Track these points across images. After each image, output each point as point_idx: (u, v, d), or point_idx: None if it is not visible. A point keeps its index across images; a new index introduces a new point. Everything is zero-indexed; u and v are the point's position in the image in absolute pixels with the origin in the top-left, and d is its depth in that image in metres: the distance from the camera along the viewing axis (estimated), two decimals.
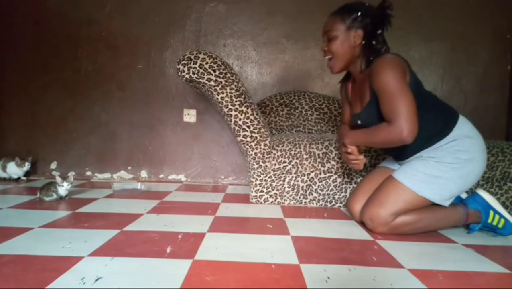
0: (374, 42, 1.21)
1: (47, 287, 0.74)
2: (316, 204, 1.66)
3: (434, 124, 1.20)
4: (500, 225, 1.24)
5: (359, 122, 1.31)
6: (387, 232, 1.20)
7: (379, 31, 1.22)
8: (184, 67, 1.52)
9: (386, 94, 1.12)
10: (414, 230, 1.22)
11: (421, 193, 1.17)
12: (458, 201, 1.35)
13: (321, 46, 1.31)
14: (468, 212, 1.24)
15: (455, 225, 1.26)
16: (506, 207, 1.63)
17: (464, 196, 1.36)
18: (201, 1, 2.20)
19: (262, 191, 1.66)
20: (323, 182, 1.64)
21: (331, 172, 1.63)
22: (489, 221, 1.24)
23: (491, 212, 1.24)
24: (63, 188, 1.55)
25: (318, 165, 1.64)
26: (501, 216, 1.24)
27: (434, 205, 1.26)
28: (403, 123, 1.10)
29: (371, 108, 1.23)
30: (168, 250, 0.98)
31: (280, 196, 1.66)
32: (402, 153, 1.29)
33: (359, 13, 1.21)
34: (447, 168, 1.17)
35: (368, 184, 1.36)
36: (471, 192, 1.32)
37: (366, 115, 1.26)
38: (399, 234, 1.21)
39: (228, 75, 1.55)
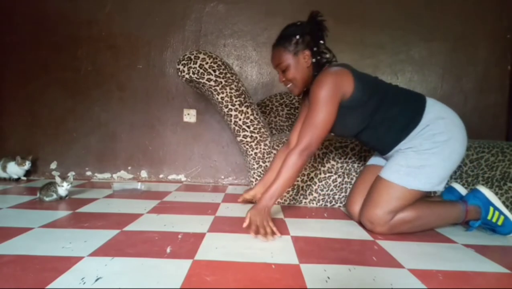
0: (320, 57, 1.26)
1: (47, 287, 0.74)
2: (316, 204, 1.66)
3: (402, 115, 1.21)
4: (499, 223, 1.24)
5: (332, 133, 1.33)
6: (387, 231, 1.20)
7: (322, 42, 1.27)
8: (184, 67, 1.52)
9: (310, 110, 1.19)
10: (413, 228, 1.22)
11: (410, 186, 1.17)
12: (457, 198, 1.35)
13: (278, 78, 1.32)
14: (468, 208, 1.24)
15: (454, 222, 1.26)
16: (506, 207, 1.63)
17: (464, 192, 1.36)
18: (201, 1, 2.20)
19: None
20: (323, 182, 1.64)
21: (331, 172, 1.63)
22: (489, 217, 1.24)
23: (491, 208, 1.24)
24: (63, 188, 1.55)
25: (318, 165, 1.64)
26: (501, 212, 1.24)
27: (432, 201, 1.26)
28: (300, 138, 1.17)
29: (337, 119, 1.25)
30: (168, 250, 0.98)
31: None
32: (381, 148, 1.31)
33: (297, 36, 1.24)
34: (428, 155, 1.18)
35: (362, 184, 1.37)
36: (472, 189, 1.32)
37: (335, 126, 1.28)
38: (399, 233, 1.21)
39: (228, 75, 1.55)
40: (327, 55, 1.29)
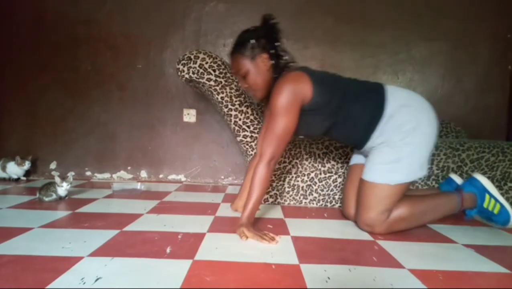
0: (278, 59, 1.26)
1: (47, 287, 0.74)
2: (316, 204, 1.66)
3: (365, 110, 1.21)
4: (495, 211, 1.24)
5: (300, 136, 1.35)
6: (386, 231, 1.20)
7: (277, 44, 1.26)
8: (184, 66, 1.51)
9: (270, 120, 1.18)
10: (411, 224, 1.22)
11: (394, 182, 1.17)
12: (453, 188, 1.35)
13: (240, 86, 1.31)
14: (463, 196, 1.25)
15: (451, 212, 1.27)
16: None
17: (460, 181, 1.36)
18: (201, 1, 2.20)
19: None
20: (323, 182, 1.64)
21: (331, 172, 1.63)
22: (485, 205, 1.25)
23: (487, 196, 1.25)
24: (63, 188, 1.55)
25: (318, 165, 1.64)
26: (497, 200, 1.25)
27: (426, 195, 1.26)
28: (264, 148, 1.17)
29: (300, 122, 1.24)
30: (168, 250, 0.98)
31: (280, 196, 1.66)
32: (353, 144, 1.32)
33: (252, 41, 1.23)
34: (401, 147, 1.17)
35: (351, 187, 1.38)
36: (468, 177, 1.32)
37: (300, 129, 1.27)
38: (399, 232, 1.21)
39: (228, 74, 1.55)
40: (286, 57, 1.28)
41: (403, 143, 1.17)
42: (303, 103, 1.18)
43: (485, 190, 1.25)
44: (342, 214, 1.48)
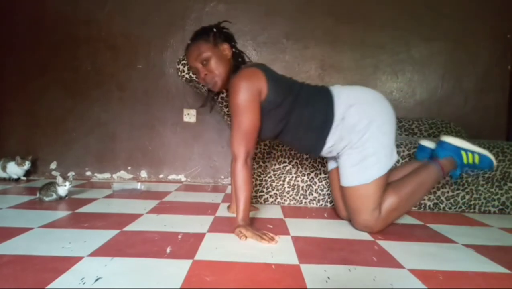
0: (238, 52, 1.27)
1: (47, 287, 0.74)
2: (316, 204, 1.66)
3: (316, 115, 1.21)
4: (476, 161, 1.26)
5: None
6: (384, 225, 1.20)
7: (233, 43, 1.28)
8: (184, 67, 1.51)
9: (232, 119, 1.18)
10: (405, 209, 1.23)
11: (370, 180, 1.17)
12: (427, 153, 1.36)
13: (200, 76, 1.25)
14: (441, 163, 1.25)
15: (436, 182, 1.28)
16: (506, 207, 1.63)
17: (432, 146, 1.37)
18: (201, 1, 2.20)
19: (262, 191, 1.66)
20: (323, 182, 1.64)
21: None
22: (465, 161, 1.26)
23: (463, 153, 1.26)
24: (63, 188, 1.55)
25: (318, 165, 1.64)
26: (473, 152, 1.26)
27: (406, 177, 1.26)
28: (236, 149, 1.17)
29: None
30: (168, 250, 0.98)
31: (280, 196, 1.66)
32: (307, 150, 1.31)
33: (214, 30, 1.25)
34: (362, 145, 1.18)
35: (337, 191, 1.39)
36: (438, 142, 1.31)
37: None
38: (399, 232, 1.21)
39: None
40: (240, 58, 1.29)
41: (363, 141, 1.17)
42: (260, 99, 1.17)
43: (458, 149, 1.26)
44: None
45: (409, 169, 1.36)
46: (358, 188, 1.18)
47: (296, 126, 1.23)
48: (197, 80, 1.52)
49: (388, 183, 1.24)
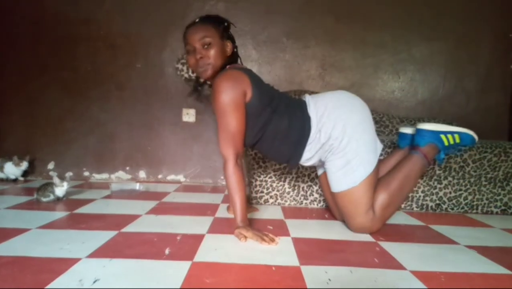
0: (235, 53, 1.29)
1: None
2: (317, 205, 1.65)
3: (293, 128, 1.20)
4: (457, 141, 1.27)
5: None
6: (380, 225, 1.20)
7: (235, 45, 1.29)
8: (183, 66, 1.51)
9: (217, 118, 1.17)
10: (398, 203, 1.23)
11: (357, 182, 1.16)
12: (409, 140, 1.37)
13: (194, 56, 1.21)
14: (423, 151, 1.26)
15: (423, 171, 1.28)
16: (509, 207, 1.63)
17: (411, 130, 1.37)
18: (201, 0, 2.19)
19: (262, 192, 1.65)
20: None
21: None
22: (446, 144, 1.26)
23: (442, 137, 1.26)
24: (61, 189, 1.54)
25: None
26: (452, 133, 1.27)
27: (391, 172, 1.26)
28: (225, 151, 1.16)
29: None
30: (166, 251, 0.97)
31: (280, 197, 1.65)
32: (284, 160, 1.30)
33: (226, 24, 1.25)
34: (343, 149, 1.17)
35: (328, 195, 1.39)
36: (416, 131, 1.31)
37: None
38: (399, 232, 1.21)
39: None
40: (233, 59, 1.30)
41: (342, 146, 1.17)
42: (245, 101, 1.15)
43: (437, 133, 1.26)
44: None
45: (394, 161, 1.37)
46: (348, 192, 1.18)
47: (273, 137, 1.22)
48: (196, 78, 1.51)
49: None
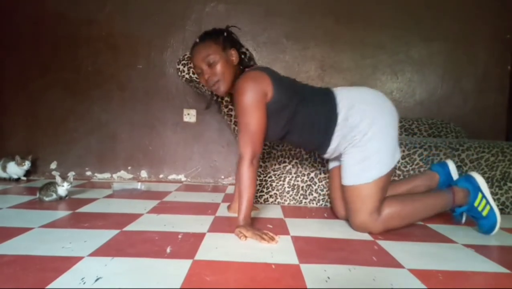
0: (244, 57, 1.28)
1: (47, 287, 0.74)
2: (316, 204, 1.66)
3: (320, 117, 1.22)
4: (484, 213, 1.24)
5: None
6: (382, 229, 1.20)
7: (242, 49, 1.29)
8: (184, 67, 1.52)
9: (238, 121, 1.18)
10: (404, 221, 1.23)
11: (371, 179, 1.17)
12: (446, 173, 1.36)
13: (203, 77, 1.24)
14: (455, 193, 1.24)
15: (443, 210, 1.27)
16: (506, 207, 1.64)
17: (455, 171, 1.36)
18: (201, 2, 2.20)
19: (262, 191, 1.66)
20: (323, 182, 1.64)
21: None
22: (476, 204, 1.24)
23: (480, 195, 1.24)
24: (63, 188, 1.55)
25: (318, 165, 1.64)
26: (488, 202, 1.24)
27: (417, 193, 1.26)
28: (243, 149, 1.17)
29: None
30: (168, 250, 0.98)
31: (280, 196, 1.66)
32: (313, 149, 1.32)
33: (224, 34, 1.25)
34: (364, 144, 1.18)
35: (335, 190, 1.40)
36: (465, 174, 1.32)
37: None
38: (399, 232, 1.21)
39: None
40: (247, 61, 1.30)
41: (365, 140, 1.18)
42: (266, 101, 1.18)
43: (479, 189, 1.25)
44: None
45: (419, 181, 1.38)
46: (359, 187, 1.19)
47: (301, 128, 1.24)
48: (197, 80, 1.52)
49: (398, 194, 1.25)
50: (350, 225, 1.27)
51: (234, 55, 1.25)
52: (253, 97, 1.14)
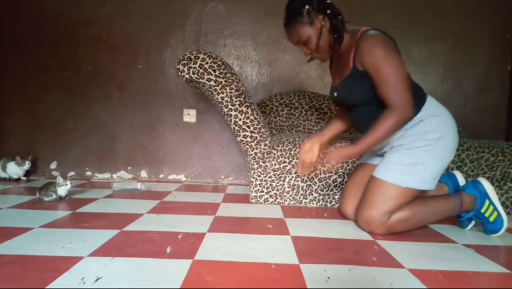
0: (334, 18, 1.24)
1: (47, 287, 0.74)
2: (316, 204, 1.66)
3: None
4: (491, 219, 1.24)
5: (335, 94, 1.33)
6: (385, 232, 1.19)
7: (328, 2, 1.23)
8: (184, 67, 1.52)
9: (381, 72, 1.15)
10: (410, 226, 1.22)
11: (404, 185, 1.17)
12: (453, 184, 1.36)
13: (305, 54, 1.29)
14: (463, 199, 1.24)
15: (450, 215, 1.27)
16: (506, 207, 1.64)
17: (463, 182, 1.36)
18: (201, 1, 2.20)
19: (262, 191, 1.66)
20: (323, 182, 1.64)
21: (331, 172, 1.63)
22: (483, 210, 1.24)
23: (487, 201, 1.25)
24: (63, 188, 1.55)
25: (318, 165, 1.64)
26: (495, 208, 1.24)
27: (426, 197, 1.26)
28: (401, 103, 1.14)
29: (349, 81, 1.25)
30: (168, 250, 0.98)
31: (280, 196, 1.66)
32: (367, 129, 1.28)
33: (306, 6, 1.20)
34: (420, 152, 1.18)
35: (353, 185, 1.38)
36: (472, 179, 1.31)
37: (343, 87, 1.28)
38: (397, 233, 1.21)
39: (228, 75, 1.55)
40: (339, 17, 1.25)
41: (423, 150, 1.18)
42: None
43: (486, 195, 1.25)
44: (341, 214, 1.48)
45: (429, 193, 1.37)
46: (389, 185, 1.18)
47: (378, 105, 1.21)
48: (197, 80, 1.52)
49: None
50: (356, 218, 1.27)
51: (323, 23, 1.21)
52: (388, 46, 1.16)
